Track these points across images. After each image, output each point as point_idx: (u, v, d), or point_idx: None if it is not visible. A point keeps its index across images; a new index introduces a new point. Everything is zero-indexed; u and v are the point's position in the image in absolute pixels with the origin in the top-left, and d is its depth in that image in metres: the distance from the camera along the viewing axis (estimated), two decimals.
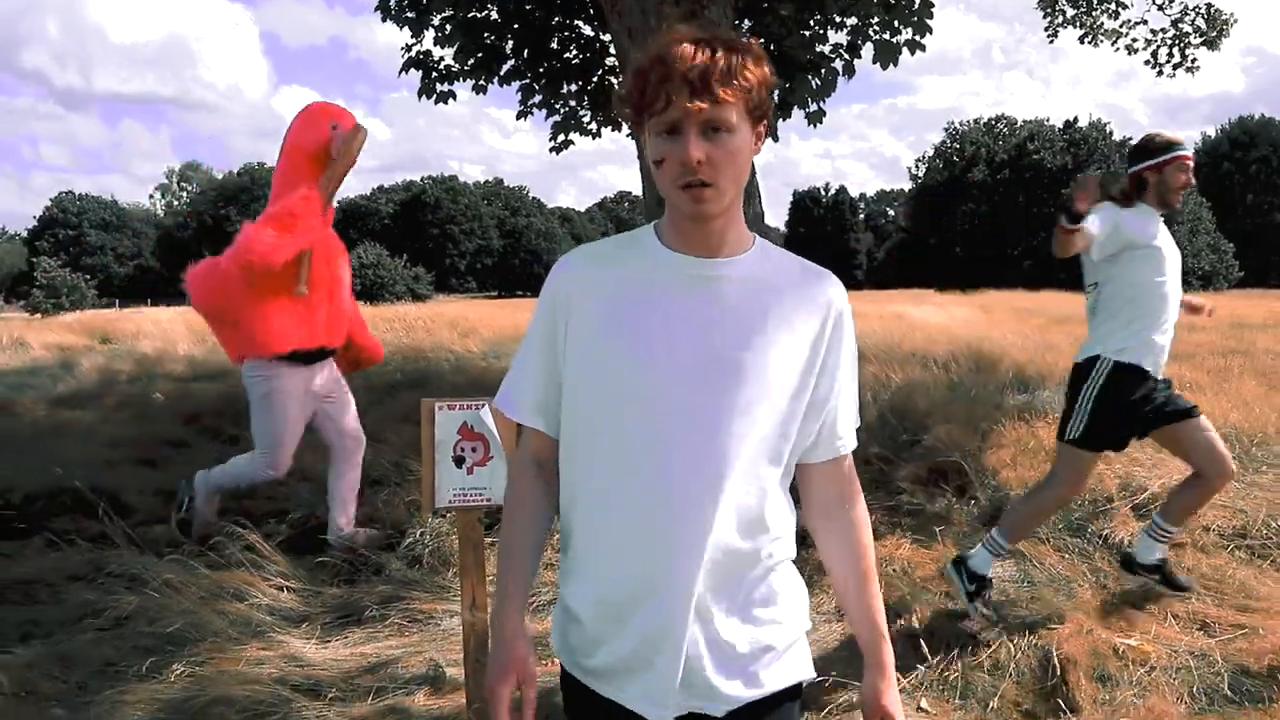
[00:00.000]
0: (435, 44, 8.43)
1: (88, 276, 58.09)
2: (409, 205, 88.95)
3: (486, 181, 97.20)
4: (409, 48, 8.40)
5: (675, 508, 1.42)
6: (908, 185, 78.62)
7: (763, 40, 7.74)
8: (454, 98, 8.55)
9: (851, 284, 72.07)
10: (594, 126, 8.86)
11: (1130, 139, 60.59)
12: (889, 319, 19.29)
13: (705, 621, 1.46)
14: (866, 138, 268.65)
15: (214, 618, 4.04)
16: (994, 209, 60.70)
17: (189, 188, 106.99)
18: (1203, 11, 11.89)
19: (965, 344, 12.29)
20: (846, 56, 7.74)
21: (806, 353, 1.49)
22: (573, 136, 8.84)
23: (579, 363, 1.48)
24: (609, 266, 1.50)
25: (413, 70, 8.46)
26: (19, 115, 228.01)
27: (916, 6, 7.11)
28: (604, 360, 1.45)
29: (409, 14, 8.16)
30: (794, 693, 1.57)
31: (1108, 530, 4.80)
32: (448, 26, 8.08)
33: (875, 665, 1.61)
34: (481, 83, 8.29)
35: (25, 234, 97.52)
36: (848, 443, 1.58)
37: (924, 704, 3.32)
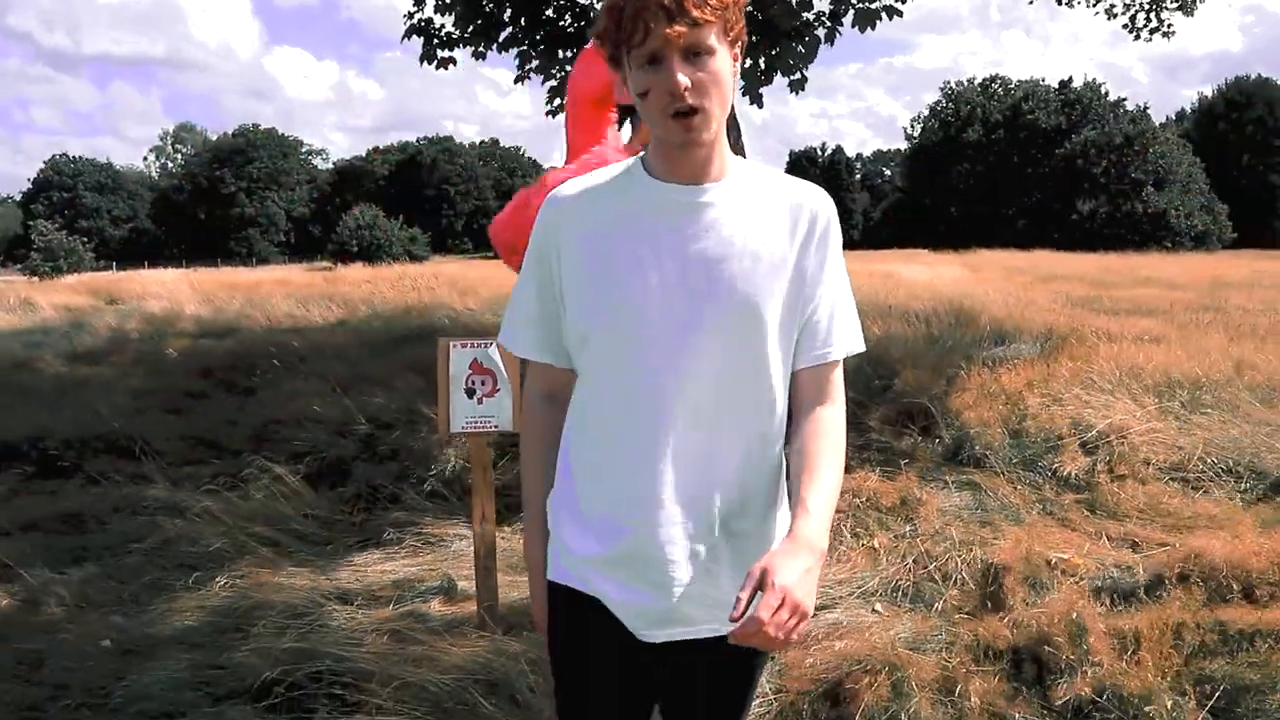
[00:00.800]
0: (436, 11, 8.79)
1: (85, 239, 58.16)
2: (405, 166, 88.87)
3: (483, 142, 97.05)
4: (410, 15, 8.75)
5: (678, 429, 1.46)
6: (904, 145, 78.69)
7: (749, 8, 8.10)
8: (454, 63, 8.93)
9: (848, 244, 72.18)
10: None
11: (1125, 99, 60.69)
12: (878, 277, 19.67)
13: (703, 538, 1.50)
14: (863, 97, 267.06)
15: (248, 541, 4.52)
16: (989, 169, 60.86)
17: (183, 149, 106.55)
18: None
19: (948, 300, 12.71)
20: (829, 24, 8.10)
21: (793, 266, 1.51)
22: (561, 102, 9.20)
23: (574, 296, 1.51)
24: (597, 200, 1.52)
25: (414, 37, 8.80)
26: (9, 78, 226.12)
27: None
28: (597, 291, 1.48)
29: None
30: None
31: (1057, 464, 5.27)
32: None
33: (791, 533, 1.46)
34: (480, 49, 8.65)
35: (19, 197, 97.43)
36: (834, 351, 1.55)
37: (878, 607, 3.79)
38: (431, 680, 3.06)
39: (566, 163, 4.82)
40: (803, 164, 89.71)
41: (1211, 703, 2.85)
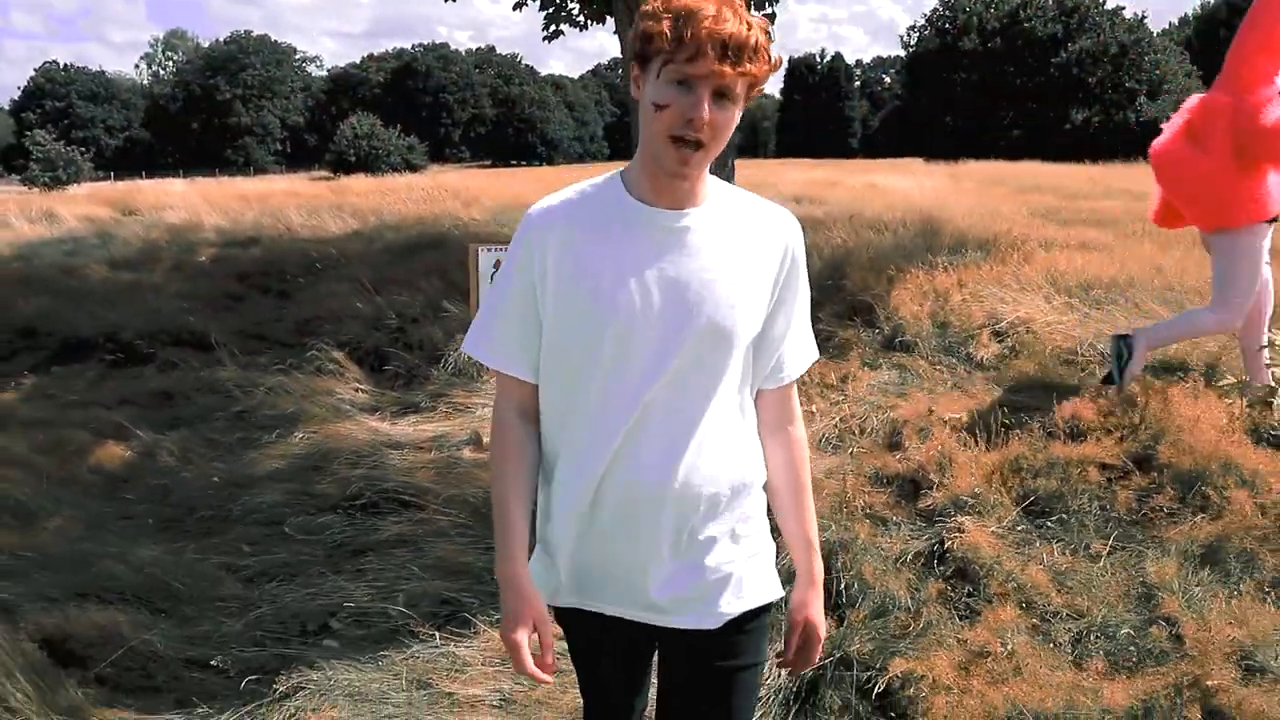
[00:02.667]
0: None
1: (82, 149, 58.40)
2: (400, 74, 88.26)
3: (479, 49, 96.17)
4: None
5: (656, 442, 1.56)
6: (903, 53, 78.28)
7: None
8: None
9: (846, 153, 72.60)
10: (582, 19, 10.11)
11: (1123, 7, 60.38)
12: (861, 188, 20.64)
13: (683, 543, 1.60)
14: (864, 1, 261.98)
15: (312, 407, 5.64)
16: (985, 78, 60.83)
17: (175, 57, 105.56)
18: None
19: (918, 210, 13.69)
20: None
21: (766, 292, 1.61)
22: (563, 28, 10.09)
23: (557, 315, 1.57)
24: (581, 220, 1.58)
25: None
26: None
27: None
28: (581, 313, 1.54)
29: None
30: (761, 612, 1.70)
31: (971, 349, 6.37)
32: None
33: (805, 576, 1.72)
34: None
35: (8, 106, 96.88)
36: (792, 372, 1.70)
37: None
38: (470, 493, 4.22)
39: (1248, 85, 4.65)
40: (801, 71, 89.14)
41: (1026, 504, 4.00)
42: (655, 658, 1.76)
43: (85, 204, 21.86)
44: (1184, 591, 3.24)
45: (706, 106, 1.43)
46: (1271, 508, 3.68)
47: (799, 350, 1.71)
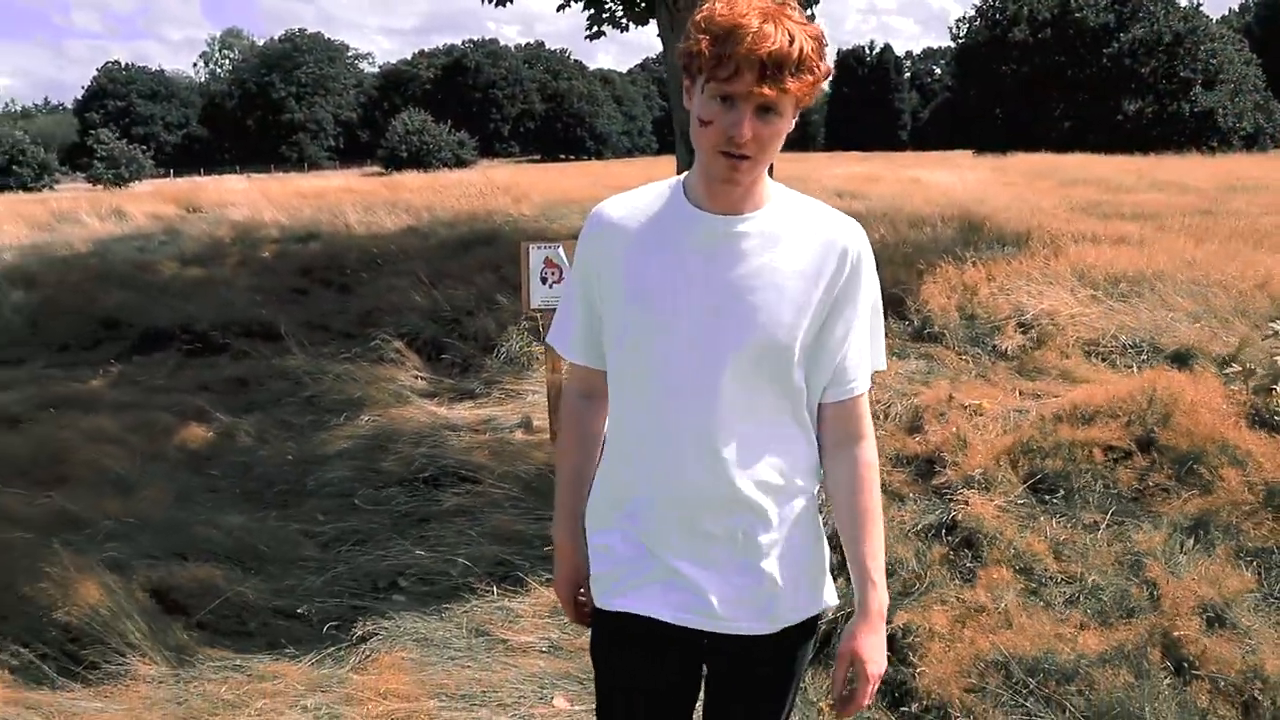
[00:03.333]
0: None
1: (143, 147, 59.96)
2: (450, 70, 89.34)
3: (528, 44, 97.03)
4: None
5: (704, 449, 1.55)
6: (953, 43, 77.64)
7: None
8: (511, 1, 10.21)
9: (895, 146, 72.24)
10: (625, 21, 10.50)
11: None
12: (905, 183, 20.80)
13: (733, 549, 1.60)
14: None
15: (376, 393, 6.10)
16: (1035, 70, 60.23)
17: (231, 55, 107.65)
18: None
19: (959, 205, 13.91)
20: None
21: (818, 300, 1.56)
22: (605, 29, 10.50)
23: (612, 313, 1.62)
24: (640, 222, 1.60)
25: None
26: None
27: None
28: (633, 313, 1.58)
29: None
30: (809, 626, 1.70)
31: (996, 340, 6.67)
32: None
33: (861, 608, 1.64)
34: None
35: (73, 104, 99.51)
36: (859, 385, 1.63)
37: None
38: (521, 470, 4.64)
39: None
40: (850, 63, 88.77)
41: (1032, 481, 4.32)
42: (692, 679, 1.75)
43: (150, 201, 22.67)
44: (1168, 558, 3.56)
45: (747, 125, 1.43)
46: (1259, 485, 3.97)
47: (863, 360, 1.64)
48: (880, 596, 1.63)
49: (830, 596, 1.71)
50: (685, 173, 1.63)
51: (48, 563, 3.48)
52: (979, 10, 67.37)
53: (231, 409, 6.23)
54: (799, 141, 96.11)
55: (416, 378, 6.47)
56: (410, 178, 29.05)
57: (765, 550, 1.61)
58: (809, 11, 9.54)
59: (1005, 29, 63.68)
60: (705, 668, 1.73)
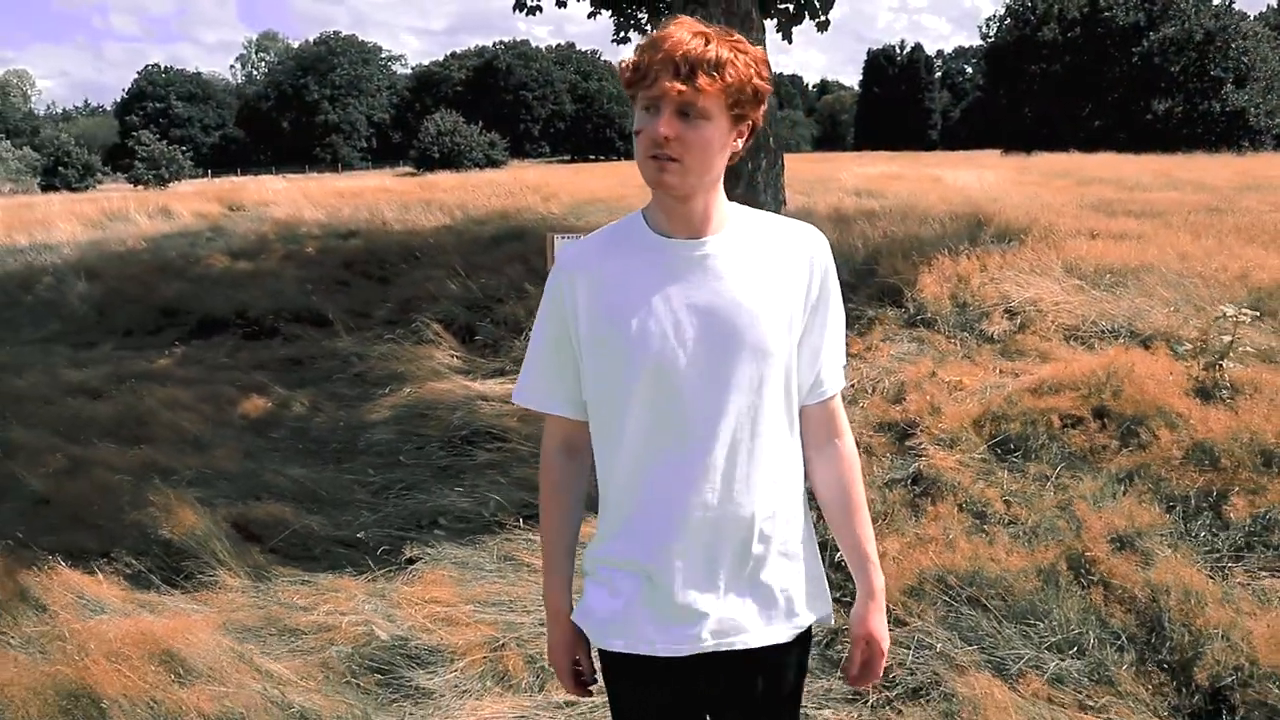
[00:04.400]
0: None
1: (182, 148, 61.25)
2: (481, 71, 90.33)
3: (559, 46, 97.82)
4: None
5: (698, 470, 1.58)
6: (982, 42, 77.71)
7: None
8: (540, 10, 10.88)
9: (926, 145, 72.35)
10: (649, 27, 11.13)
11: None
12: (925, 181, 21.24)
13: (737, 566, 1.62)
14: None
15: (415, 370, 6.77)
16: (1065, 69, 60.28)
17: (267, 58, 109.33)
18: None
19: (973, 203, 14.42)
20: None
21: (798, 310, 1.62)
22: (630, 34, 11.15)
23: (593, 353, 1.61)
24: (606, 259, 1.63)
25: None
26: None
27: None
28: (615, 350, 1.58)
29: None
30: (808, 636, 1.73)
31: (984, 327, 7.23)
32: None
33: (864, 590, 1.72)
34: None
35: (112, 106, 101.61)
36: (832, 386, 1.70)
37: None
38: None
39: None
40: (880, 62, 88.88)
41: (994, 440, 4.91)
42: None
43: (195, 200, 23.55)
44: (1096, 501, 4.14)
45: (666, 123, 1.48)
46: (1187, 443, 4.54)
47: (837, 363, 1.72)
48: (880, 576, 1.73)
49: (827, 606, 1.75)
50: (644, 206, 1.67)
51: (152, 493, 4.15)
52: (1009, 9, 67.46)
53: (287, 384, 6.92)
54: (829, 141, 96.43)
55: (452, 356, 7.13)
56: (443, 178, 29.86)
57: (771, 565, 1.64)
58: (824, 18, 10.10)
59: (1035, 28, 63.70)
60: (714, 684, 1.71)
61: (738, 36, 1.54)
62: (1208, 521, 4.02)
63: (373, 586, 3.84)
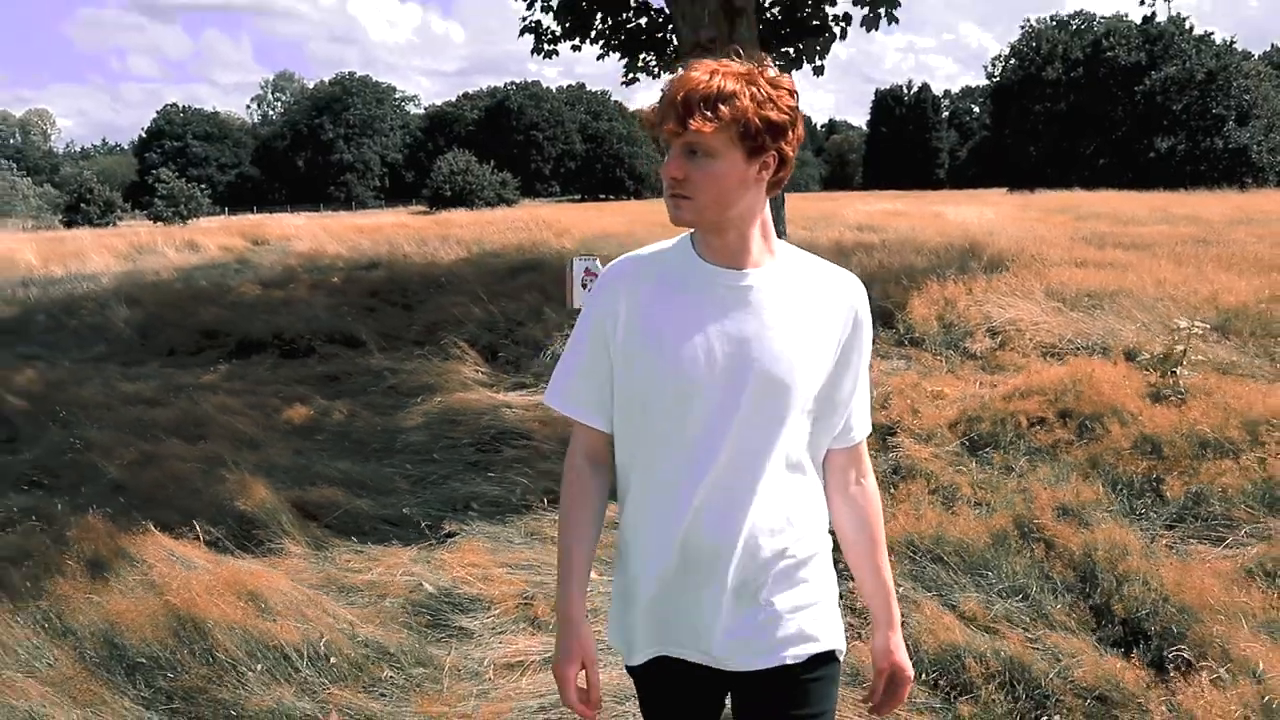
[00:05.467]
0: (542, 11, 11.46)
1: (203, 186, 62.41)
2: (493, 111, 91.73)
3: (569, 86, 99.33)
4: (524, 19, 11.46)
5: (719, 496, 1.62)
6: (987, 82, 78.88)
7: (778, 10, 10.60)
8: (556, 54, 11.62)
9: (933, 184, 73.14)
10: (657, 70, 11.85)
11: (1211, 33, 60.23)
12: (927, 217, 21.96)
13: (745, 594, 1.66)
14: (953, 29, 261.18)
15: (445, 382, 7.38)
16: (1069, 108, 61.24)
17: (283, 98, 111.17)
18: None
19: (969, 236, 15.05)
20: (844, 24, 10.55)
21: (831, 355, 1.65)
22: (639, 75, 11.85)
23: (625, 369, 1.66)
24: (651, 278, 1.67)
25: (526, 35, 11.53)
26: (106, 27, 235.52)
27: None
28: (647, 368, 1.62)
29: None
30: (829, 659, 1.74)
31: (968, 345, 7.82)
32: (553, 1, 11.13)
33: (885, 621, 1.79)
34: (577, 44, 11.31)
35: (130, 145, 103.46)
36: (860, 431, 1.77)
37: None
38: (565, 433, 5.86)
39: None
40: (888, 103, 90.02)
41: (969, 438, 5.48)
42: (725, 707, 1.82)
43: (218, 235, 24.39)
44: (1051, 483, 4.71)
45: (674, 164, 1.54)
46: (1135, 435, 5.11)
47: (865, 406, 1.77)
48: (898, 609, 1.83)
49: (840, 641, 1.76)
50: (691, 230, 1.68)
51: (227, 472, 4.76)
52: (1013, 49, 68.63)
53: (326, 396, 7.54)
54: (838, 181, 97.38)
55: (478, 371, 7.75)
56: (458, 215, 30.75)
57: (778, 593, 1.67)
58: (819, 63, 10.75)
59: (1039, 68, 64.76)
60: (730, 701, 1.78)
61: (755, 67, 1.55)
62: (1149, 500, 4.60)
63: (417, 554, 4.42)
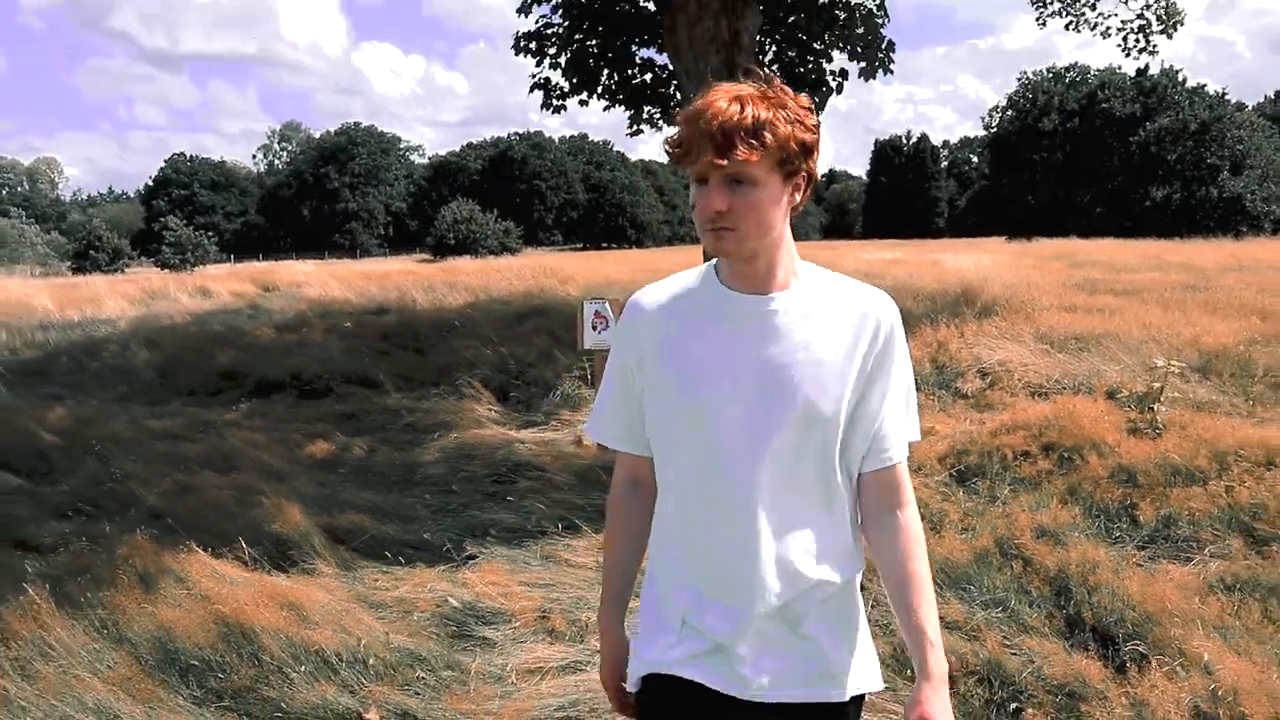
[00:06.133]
0: (551, 68, 11.97)
1: (210, 234, 63.16)
2: (497, 161, 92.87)
3: (571, 137, 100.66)
4: (534, 76, 11.98)
5: (754, 525, 1.61)
6: (984, 133, 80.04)
7: (777, 67, 11.08)
8: (565, 109, 12.10)
9: (932, 233, 73.87)
10: (661, 123, 12.33)
11: (1204, 85, 61.24)
12: (925, 265, 22.41)
13: (775, 625, 1.64)
14: (951, 80, 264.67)
15: (460, 420, 7.73)
16: (1066, 157, 62.16)
17: (289, 147, 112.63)
18: (1161, 5, 14.63)
19: (964, 283, 15.46)
20: (841, 79, 11.04)
21: (855, 372, 1.62)
22: (644, 128, 12.34)
23: (654, 399, 1.68)
24: (676, 306, 1.68)
25: (536, 91, 12.02)
26: (114, 77, 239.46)
27: (882, 47, 10.39)
28: (676, 397, 1.63)
29: (534, 49, 11.75)
30: (858, 702, 1.71)
31: (959, 385, 8.17)
32: (562, 59, 11.63)
33: (921, 671, 1.65)
34: (585, 99, 11.80)
35: (136, 193, 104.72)
36: (895, 453, 1.68)
37: None
38: (575, 466, 6.21)
39: None
40: (887, 153, 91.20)
41: (958, 469, 5.82)
42: None
43: (228, 281, 24.85)
44: (1032, 509, 5.04)
45: (717, 197, 1.52)
46: (1112, 466, 5.45)
47: (900, 429, 1.69)
48: (940, 657, 1.64)
49: (876, 681, 1.73)
50: (716, 258, 1.68)
51: (264, 498, 5.10)
52: (1010, 100, 69.73)
53: (346, 433, 7.88)
54: (838, 230, 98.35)
55: (491, 410, 8.10)
56: (464, 263, 31.27)
57: (807, 623, 1.65)
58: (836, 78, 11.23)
59: (1036, 119, 65.79)
60: None
61: (776, 89, 1.56)
62: (1124, 524, 4.92)
63: (441, 574, 4.74)
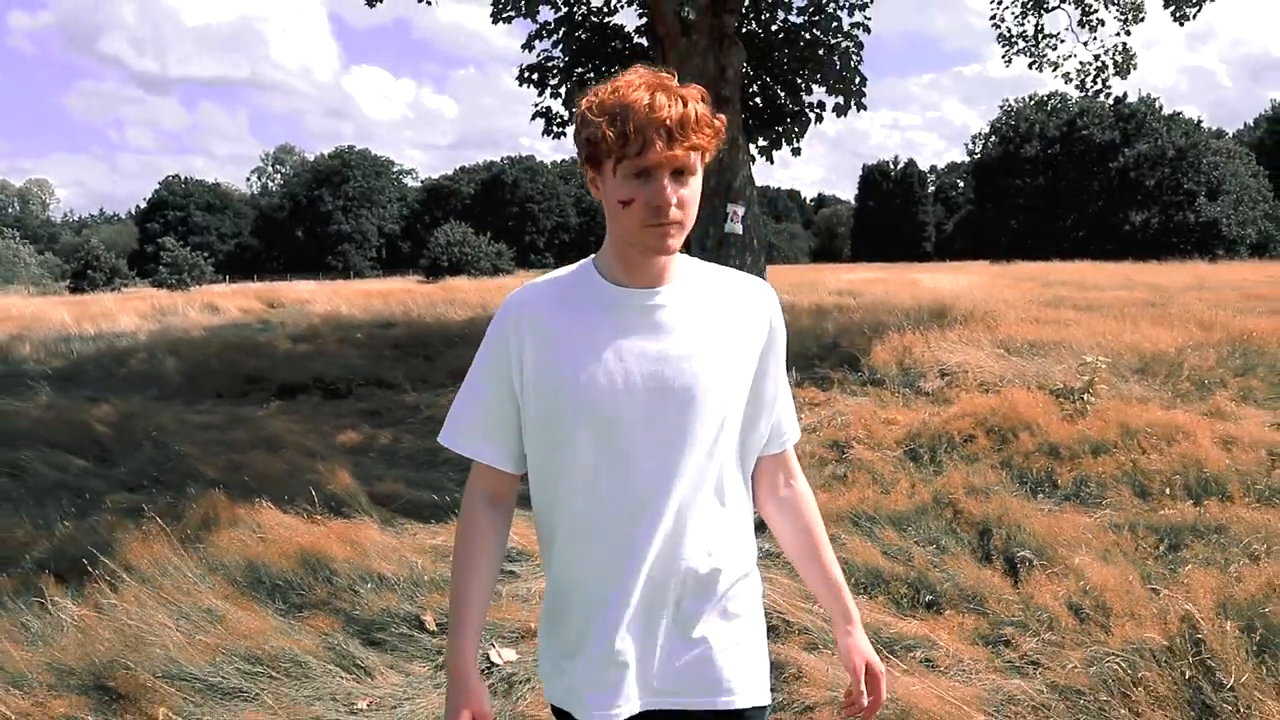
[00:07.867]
0: (551, 98, 12.94)
1: (206, 254, 63.93)
2: (489, 185, 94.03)
3: (563, 161, 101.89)
4: (535, 104, 12.95)
5: (644, 525, 1.56)
6: (968, 159, 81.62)
7: (760, 99, 12.07)
8: (564, 135, 13.06)
9: (919, 257, 75.32)
10: None
11: (1180, 112, 62.78)
12: (904, 284, 23.42)
13: (678, 623, 1.62)
14: (937, 107, 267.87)
15: None
16: (1047, 183, 63.59)
17: (283, 170, 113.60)
18: (1117, 50, 15.73)
19: (938, 300, 16.44)
20: (818, 111, 12.04)
21: (751, 362, 1.62)
22: None
23: (539, 402, 1.58)
24: (556, 306, 1.59)
25: (537, 120, 12.99)
26: (105, 99, 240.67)
27: (856, 83, 11.39)
28: (563, 398, 1.55)
29: (537, 81, 12.72)
30: (762, 711, 1.68)
31: (921, 384, 9.10)
32: (562, 90, 12.60)
33: (844, 617, 1.74)
34: None
35: (128, 215, 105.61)
36: (791, 436, 1.74)
37: None
38: None
39: None
40: (875, 178, 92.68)
41: (911, 449, 6.73)
42: None
43: (233, 299, 25.76)
44: (966, 476, 5.96)
45: (669, 191, 1.47)
46: (1041, 442, 6.38)
47: (790, 411, 1.74)
48: (853, 601, 1.77)
49: (766, 695, 1.70)
50: (592, 255, 1.64)
51: (318, 463, 5.99)
52: (993, 127, 71.35)
53: (371, 426, 8.76)
54: (825, 254, 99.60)
55: None
56: (460, 282, 32.20)
57: (714, 624, 1.63)
58: (797, 145, 12.21)
59: (1018, 145, 67.33)
60: None
61: (674, 79, 1.53)
62: (1046, 488, 5.85)
63: None
